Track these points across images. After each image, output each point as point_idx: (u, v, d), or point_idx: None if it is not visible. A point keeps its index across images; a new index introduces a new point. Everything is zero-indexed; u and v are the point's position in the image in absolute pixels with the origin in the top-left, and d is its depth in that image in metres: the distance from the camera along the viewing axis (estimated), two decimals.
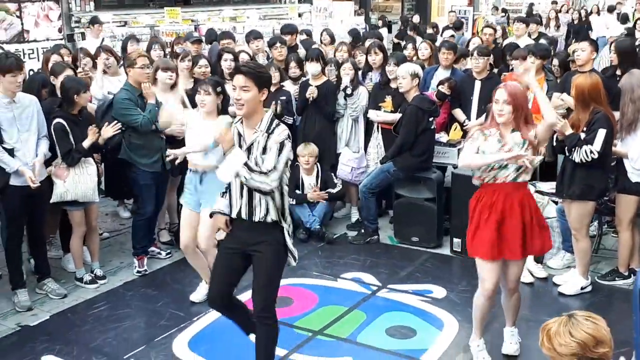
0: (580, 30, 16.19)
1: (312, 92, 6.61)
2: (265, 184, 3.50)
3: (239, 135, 3.64)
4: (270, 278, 3.75)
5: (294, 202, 6.57)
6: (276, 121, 3.66)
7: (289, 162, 3.65)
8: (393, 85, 6.58)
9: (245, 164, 3.49)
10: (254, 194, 3.60)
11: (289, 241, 3.76)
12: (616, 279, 5.39)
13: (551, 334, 1.74)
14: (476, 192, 4.16)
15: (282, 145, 3.54)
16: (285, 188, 3.72)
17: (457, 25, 12.21)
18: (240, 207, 3.68)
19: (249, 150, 3.59)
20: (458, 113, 6.96)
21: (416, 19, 15.45)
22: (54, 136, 5.22)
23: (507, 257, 4.10)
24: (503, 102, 3.94)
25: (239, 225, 3.74)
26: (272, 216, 3.66)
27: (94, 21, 9.48)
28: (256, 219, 3.66)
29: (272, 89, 6.78)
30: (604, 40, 17.25)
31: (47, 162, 5.22)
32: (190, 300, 5.25)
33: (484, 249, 4.08)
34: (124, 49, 8.22)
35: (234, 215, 3.74)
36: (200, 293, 5.26)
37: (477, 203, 4.12)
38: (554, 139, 5.13)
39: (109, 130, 5.38)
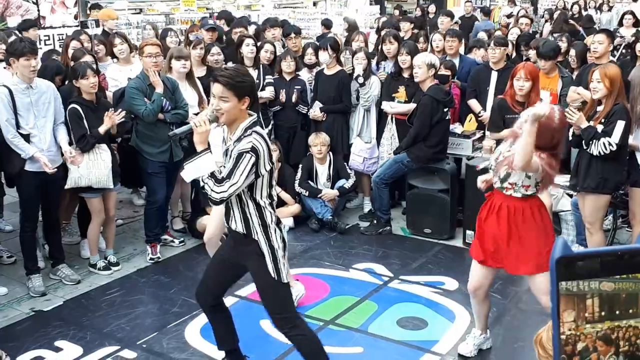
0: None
1: (317, 116, 6.75)
2: (214, 193, 3.27)
3: (223, 139, 3.52)
4: (263, 293, 3.64)
5: (306, 194, 6.58)
6: (250, 130, 3.36)
7: (263, 175, 3.37)
8: (406, 75, 6.56)
9: (212, 173, 3.30)
10: (233, 204, 3.46)
11: (278, 256, 3.51)
12: None
13: (544, 343, 1.71)
14: (489, 195, 4.04)
15: (240, 156, 3.27)
16: (265, 201, 3.46)
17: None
18: (228, 216, 3.57)
19: (225, 155, 3.47)
20: (473, 104, 6.91)
21: (432, 8, 15.32)
22: (68, 121, 5.24)
23: (501, 267, 4.03)
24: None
25: (229, 230, 3.66)
26: (240, 228, 3.50)
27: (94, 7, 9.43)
28: (236, 228, 3.55)
29: (288, 77, 6.83)
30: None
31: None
32: None
33: (474, 247, 4.09)
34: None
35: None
36: None
37: (485, 207, 4.00)
38: (571, 133, 5.08)
39: (115, 117, 5.36)
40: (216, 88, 3.34)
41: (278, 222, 3.58)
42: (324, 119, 6.75)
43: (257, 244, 3.50)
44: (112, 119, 5.27)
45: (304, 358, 3.74)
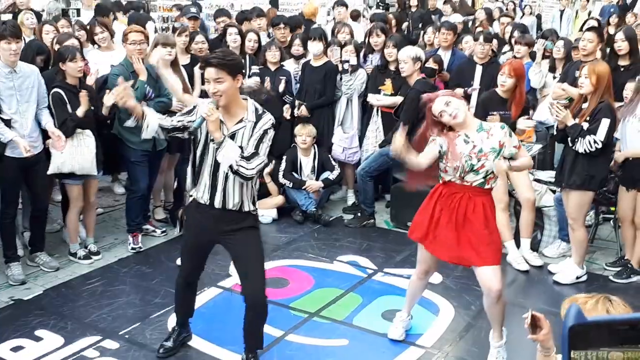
0: None
1: (304, 114, 6.73)
2: (249, 171, 3.45)
3: (220, 122, 3.54)
4: (261, 264, 3.76)
5: (290, 185, 6.54)
6: (261, 109, 3.60)
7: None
8: (392, 67, 6.54)
9: (241, 155, 3.45)
10: (229, 181, 3.55)
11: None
12: (632, 275, 5.30)
13: (587, 309, 1.72)
14: (438, 185, 3.99)
15: (264, 133, 3.52)
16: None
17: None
18: (214, 195, 3.60)
19: (232, 138, 3.52)
20: None
21: (414, 1, 15.25)
22: (51, 105, 5.13)
23: (441, 257, 4.05)
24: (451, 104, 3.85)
25: (209, 213, 3.66)
26: (245, 203, 3.64)
27: None
28: (229, 206, 3.61)
29: (272, 68, 6.78)
30: None
31: (46, 135, 5.14)
32: None
33: (418, 232, 4.05)
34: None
35: (203, 201, 3.65)
36: None
37: (437, 197, 3.94)
38: (555, 129, 5.12)
39: (110, 98, 5.25)
40: (209, 72, 3.45)
41: None
42: (310, 116, 6.71)
43: (254, 217, 3.72)
44: (104, 101, 5.16)
45: (258, 329, 3.92)
